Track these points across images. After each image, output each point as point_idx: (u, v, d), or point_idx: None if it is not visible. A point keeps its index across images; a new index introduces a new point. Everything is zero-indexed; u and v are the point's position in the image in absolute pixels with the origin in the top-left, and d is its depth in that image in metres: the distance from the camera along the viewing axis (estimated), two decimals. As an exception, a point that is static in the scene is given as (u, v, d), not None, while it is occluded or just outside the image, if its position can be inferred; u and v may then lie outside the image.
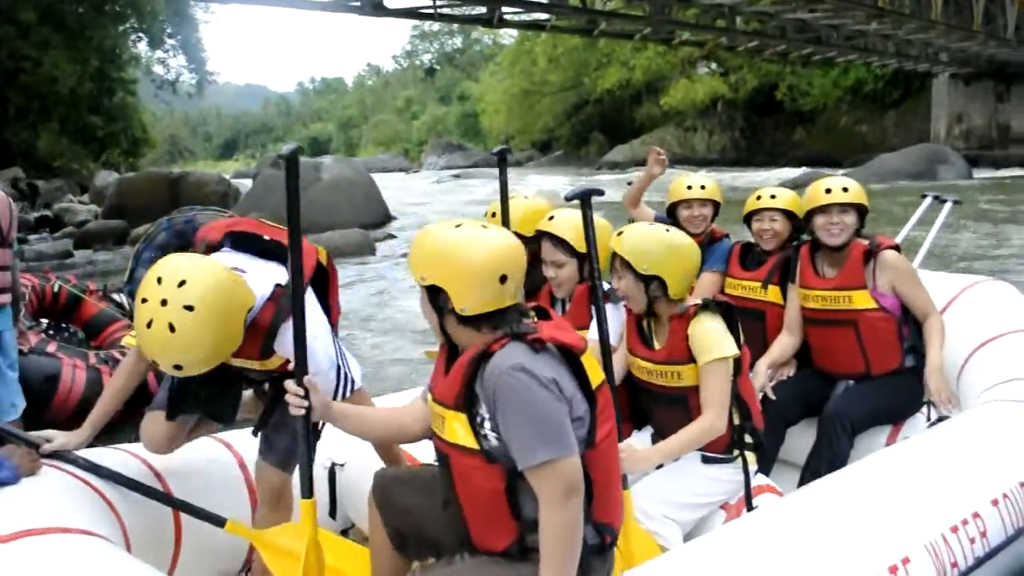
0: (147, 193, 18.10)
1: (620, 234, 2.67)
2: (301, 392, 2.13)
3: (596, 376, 2.00)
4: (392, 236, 16.45)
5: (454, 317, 1.98)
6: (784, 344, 3.46)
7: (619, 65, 49.18)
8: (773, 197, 3.53)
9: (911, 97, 39.94)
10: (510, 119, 60.41)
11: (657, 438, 2.78)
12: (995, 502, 2.64)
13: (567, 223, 2.84)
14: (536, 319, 2.04)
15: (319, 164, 18.44)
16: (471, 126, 75.05)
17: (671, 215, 3.68)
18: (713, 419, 2.57)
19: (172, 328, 2.08)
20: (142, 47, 30.18)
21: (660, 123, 49.71)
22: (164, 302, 2.08)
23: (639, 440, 2.71)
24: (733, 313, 2.66)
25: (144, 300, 2.11)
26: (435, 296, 1.99)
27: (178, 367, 2.15)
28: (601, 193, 2.47)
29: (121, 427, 3.23)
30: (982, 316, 3.64)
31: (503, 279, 1.93)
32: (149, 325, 2.09)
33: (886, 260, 3.23)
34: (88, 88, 24.58)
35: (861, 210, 3.29)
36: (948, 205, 4.53)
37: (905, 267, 3.28)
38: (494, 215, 3.23)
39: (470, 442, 1.93)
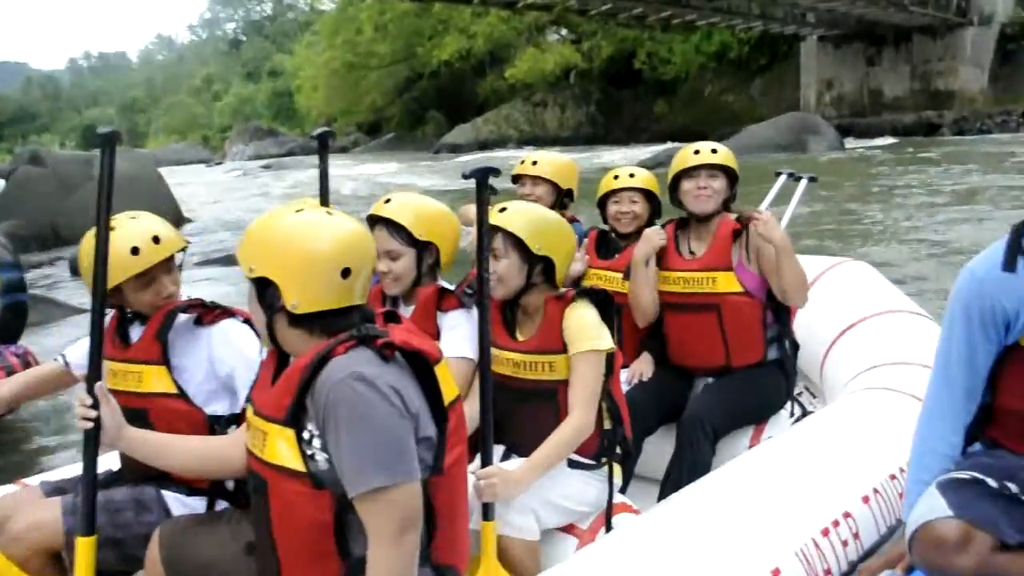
0: None
1: (503, 210, 2.72)
2: (89, 401, 2.14)
3: (449, 391, 1.99)
4: (184, 242, 15.86)
5: (285, 316, 1.95)
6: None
7: (457, 33, 49.54)
8: (632, 176, 3.73)
9: (779, 63, 42.30)
10: (331, 98, 59.70)
11: (510, 455, 2.78)
12: (866, 499, 2.79)
13: (405, 207, 2.84)
14: (384, 323, 2.03)
15: (91, 159, 17.49)
16: (285, 107, 73.92)
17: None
18: (581, 416, 2.62)
19: None
20: None
21: (507, 98, 50.48)
22: None
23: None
24: (610, 307, 2.73)
25: None
26: (264, 291, 1.96)
27: None
28: (498, 173, 2.53)
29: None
30: (843, 300, 3.84)
31: (345, 272, 1.92)
32: None
33: (752, 228, 3.38)
34: None
35: (731, 175, 3.47)
36: (803, 183, 4.73)
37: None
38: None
39: (295, 463, 1.88)
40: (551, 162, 3.91)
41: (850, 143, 30.24)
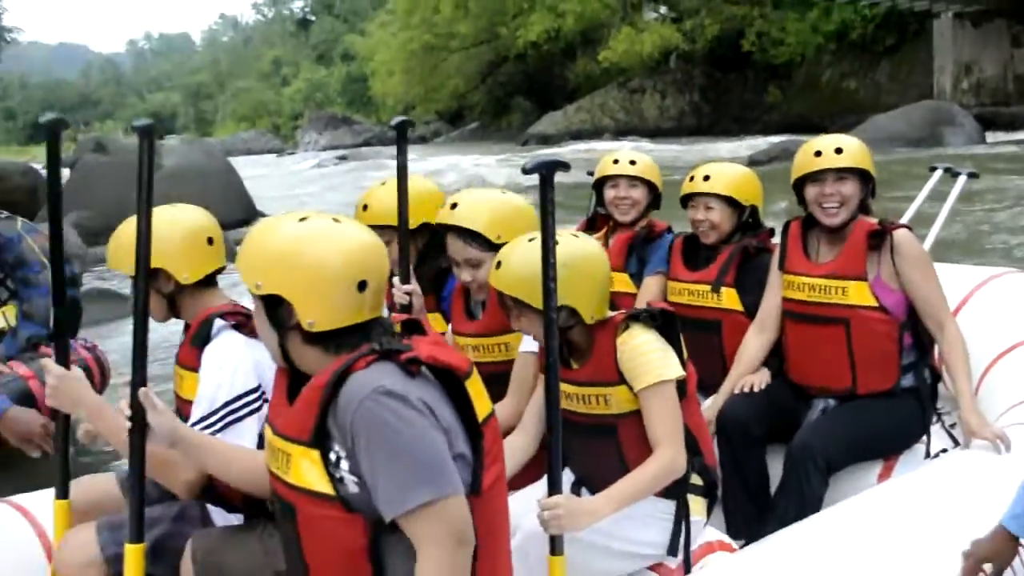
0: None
1: (499, 266, 2.64)
2: (128, 412, 2.24)
3: (483, 407, 2.03)
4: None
5: (299, 335, 2.01)
6: (753, 346, 3.56)
7: (544, 11, 49.32)
8: (707, 179, 3.68)
9: (908, 44, 41.08)
10: (409, 83, 59.99)
11: (578, 487, 2.81)
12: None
13: (477, 210, 2.89)
14: (406, 335, 2.08)
15: (158, 147, 18.02)
16: (359, 93, 74.67)
17: (598, 196, 4.02)
18: (672, 453, 2.59)
19: None
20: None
21: (600, 84, 50.07)
22: None
23: (541, 488, 2.68)
24: (673, 323, 2.71)
25: None
26: (274, 309, 2.02)
27: None
28: (567, 167, 2.48)
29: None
30: (1005, 317, 3.69)
31: (361, 286, 1.97)
32: None
33: (898, 242, 3.30)
34: None
35: (865, 176, 3.37)
36: (962, 179, 4.69)
37: (919, 253, 3.36)
38: (366, 208, 3.34)
39: (323, 486, 1.93)
40: (648, 161, 3.97)
41: (992, 136, 29.04)
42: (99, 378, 5.61)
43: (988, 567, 2.35)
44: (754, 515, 3.25)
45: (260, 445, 2.44)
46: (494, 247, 2.84)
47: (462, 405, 1.98)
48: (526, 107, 55.44)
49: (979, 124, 29.00)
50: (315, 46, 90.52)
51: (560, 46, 51.32)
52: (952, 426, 3.44)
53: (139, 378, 2.27)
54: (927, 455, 3.32)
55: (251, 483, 2.31)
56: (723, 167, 3.79)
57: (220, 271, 2.81)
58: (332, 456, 1.93)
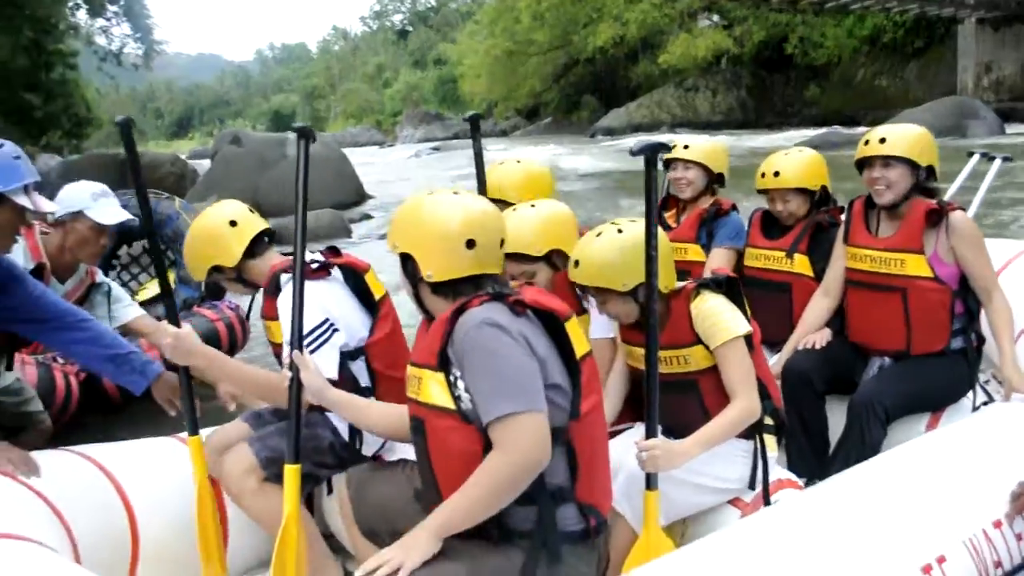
0: (93, 178, 17.86)
1: (576, 264, 2.62)
2: (289, 370, 2.45)
3: (581, 346, 2.09)
4: (368, 216, 16.39)
5: (427, 285, 2.13)
6: (818, 308, 3.48)
7: (611, 20, 48.78)
8: (777, 175, 3.57)
9: (935, 46, 39.79)
10: (492, 84, 60.00)
11: (667, 435, 2.73)
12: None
13: (517, 234, 2.76)
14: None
15: (283, 140, 18.25)
16: (450, 93, 74.75)
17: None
18: (748, 400, 2.58)
19: None
20: (81, 15, 29.94)
21: (659, 83, 49.48)
22: None
23: (637, 433, 2.66)
24: (736, 287, 2.69)
25: None
26: (406, 264, 2.15)
27: None
28: (668, 149, 2.51)
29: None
30: None
31: (470, 244, 2.06)
32: None
33: (954, 222, 3.19)
34: (22, 63, 24.32)
35: (912, 164, 3.22)
36: (997, 163, 4.54)
37: (973, 232, 3.23)
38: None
39: (446, 402, 2.02)
40: (703, 146, 3.84)
41: (1011, 128, 28.04)
42: (240, 332, 5.75)
43: None
44: (814, 457, 3.21)
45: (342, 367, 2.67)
46: (541, 257, 2.81)
47: (562, 343, 2.05)
48: (594, 104, 54.94)
49: (999, 117, 28.21)
50: (412, 53, 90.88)
51: (624, 51, 50.77)
52: (986, 382, 3.35)
53: (295, 343, 2.46)
54: (974, 408, 3.22)
55: (383, 429, 2.45)
56: (791, 160, 3.62)
57: (264, 236, 2.93)
58: (452, 377, 2.02)
